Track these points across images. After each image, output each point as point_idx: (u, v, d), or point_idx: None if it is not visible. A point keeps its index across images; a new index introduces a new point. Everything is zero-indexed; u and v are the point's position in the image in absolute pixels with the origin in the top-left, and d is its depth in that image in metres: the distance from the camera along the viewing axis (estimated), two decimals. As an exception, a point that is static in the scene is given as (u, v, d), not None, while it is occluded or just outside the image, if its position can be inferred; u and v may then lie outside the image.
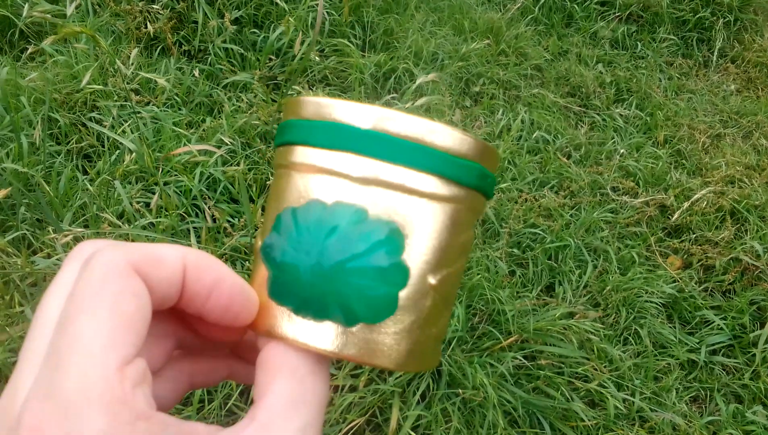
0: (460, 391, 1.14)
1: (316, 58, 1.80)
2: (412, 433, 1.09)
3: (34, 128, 1.37)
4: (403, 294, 0.23)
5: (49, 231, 1.10)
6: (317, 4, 1.82)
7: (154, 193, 1.29)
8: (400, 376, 1.14)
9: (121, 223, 1.19)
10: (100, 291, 0.19)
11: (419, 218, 0.23)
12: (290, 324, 0.23)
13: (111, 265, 0.20)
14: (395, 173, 0.23)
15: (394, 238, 0.23)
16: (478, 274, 1.34)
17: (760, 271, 1.57)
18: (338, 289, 0.22)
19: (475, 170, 0.24)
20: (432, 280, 0.23)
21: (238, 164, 1.45)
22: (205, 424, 0.21)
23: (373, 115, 0.23)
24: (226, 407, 1.09)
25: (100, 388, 0.18)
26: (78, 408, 0.17)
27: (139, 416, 0.18)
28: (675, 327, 1.46)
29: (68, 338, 0.19)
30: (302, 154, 0.24)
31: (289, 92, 1.68)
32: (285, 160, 0.25)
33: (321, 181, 0.23)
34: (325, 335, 0.23)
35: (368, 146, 0.23)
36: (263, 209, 1.33)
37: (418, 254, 0.23)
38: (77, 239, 1.15)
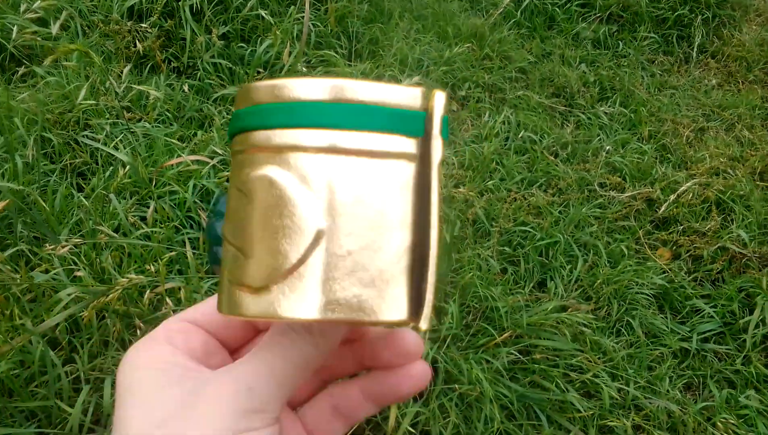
0: (456, 386, 1.16)
1: (304, 69, 1.83)
2: (411, 430, 1.10)
3: (27, 148, 1.39)
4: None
5: (46, 246, 1.12)
6: (303, 17, 1.85)
7: (148, 207, 1.31)
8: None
9: (117, 236, 1.21)
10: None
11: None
12: None
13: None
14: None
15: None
16: (471, 272, 1.37)
17: (747, 259, 1.60)
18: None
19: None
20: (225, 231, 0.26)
21: (230, 175, 1.47)
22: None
23: (323, 87, 0.24)
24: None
25: (150, 335, 0.29)
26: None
27: (166, 353, 0.28)
28: (666, 317, 1.48)
29: None
30: (261, 136, 0.25)
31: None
32: (243, 146, 0.26)
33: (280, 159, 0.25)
34: None
35: (323, 117, 0.24)
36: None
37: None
38: (74, 252, 1.17)
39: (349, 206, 0.24)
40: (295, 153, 0.24)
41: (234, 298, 0.25)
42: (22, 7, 1.27)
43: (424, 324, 0.24)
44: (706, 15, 2.63)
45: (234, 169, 0.26)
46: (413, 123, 0.25)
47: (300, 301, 0.23)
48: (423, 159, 0.25)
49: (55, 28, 1.13)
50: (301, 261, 0.24)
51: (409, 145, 0.25)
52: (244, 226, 0.25)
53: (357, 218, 0.24)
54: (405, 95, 0.25)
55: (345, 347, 0.31)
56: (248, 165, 0.25)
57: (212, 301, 0.30)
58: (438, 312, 1.32)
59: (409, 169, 0.25)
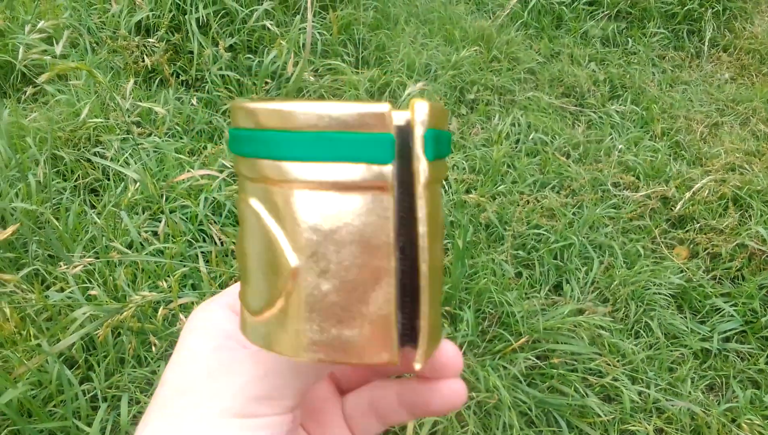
0: (474, 394, 1.15)
1: (311, 78, 1.83)
2: (429, 439, 1.09)
3: (39, 167, 1.40)
4: None
5: (60, 265, 1.12)
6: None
7: (160, 222, 1.31)
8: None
9: (130, 252, 1.22)
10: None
11: None
12: None
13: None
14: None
15: None
16: (485, 277, 1.35)
17: (766, 256, 1.57)
18: None
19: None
20: None
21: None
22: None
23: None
24: None
25: (214, 297, 0.30)
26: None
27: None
28: (686, 317, 1.46)
29: None
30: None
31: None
32: (236, 168, 0.24)
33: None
34: None
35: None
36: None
37: None
38: (88, 270, 1.18)
39: (320, 245, 0.22)
40: (268, 185, 0.23)
41: (243, 315, 0.25)
42: (27, 28, 1.28)
43: (417, 364, 0.22)
44: (716, 8, 2.60)
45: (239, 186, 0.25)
46: (376, 149, 0.21)
47: (285, 337, 0.23)
48: (405, 183, 0.22)
49: (59, 47, 1.13)
50: (284, 298, 0.23)
51: (376, 173, 0.22)
52: (243, 248, 0.24)
53: (330, 256, 0.22)
54: (364, 118, 0.21)
55: None
56: (241, 190, 0.24)
57: None
58: (453, 319, 1.31)
59: (381, 199, 0.22)
